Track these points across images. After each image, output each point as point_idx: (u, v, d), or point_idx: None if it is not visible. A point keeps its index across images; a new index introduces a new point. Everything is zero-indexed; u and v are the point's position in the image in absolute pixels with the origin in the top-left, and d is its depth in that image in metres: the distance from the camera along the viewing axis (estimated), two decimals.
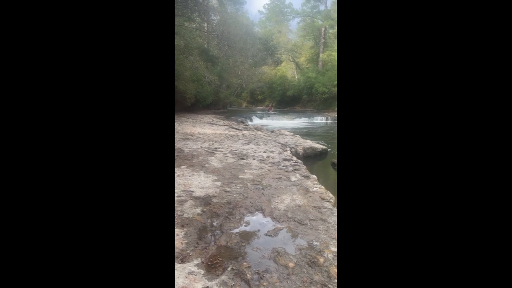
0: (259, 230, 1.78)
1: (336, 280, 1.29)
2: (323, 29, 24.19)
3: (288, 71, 28.15)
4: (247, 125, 10.30)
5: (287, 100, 24.16)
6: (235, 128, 8.42)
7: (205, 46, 15.16)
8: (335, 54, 21.58)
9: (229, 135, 6.64)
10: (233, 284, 1.24)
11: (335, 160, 4.24)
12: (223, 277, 1.29)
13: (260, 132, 7.59)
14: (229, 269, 1.35)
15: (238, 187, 2.61)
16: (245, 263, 1.39)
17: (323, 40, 24.28)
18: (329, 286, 1.25)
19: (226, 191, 2.48)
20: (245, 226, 1.84)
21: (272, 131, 7.96)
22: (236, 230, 1.77)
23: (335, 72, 20.05)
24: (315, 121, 14.26)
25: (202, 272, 1.32)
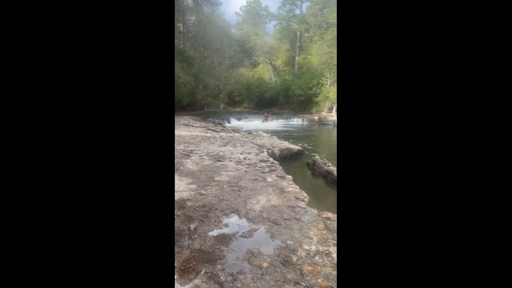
0: (234, 232, 1.78)
1: (308, 278, 1.33)
2: (298, 32, 24.79)
3: (265, 73, 28.42)
4: (224, 127, 10.24)
5: (265, 102, 24.36)
6: (212, 130, 8.33)
7: (181, 46, 14.84)
8: (310, 57, 22.16)
9: (205, 137, 6.55)
10: (206, 287, 1.23)
11: (310, 161, 4.35)
12: (196, 280, 1.27)
13: (237, 134, 7.58)
14: (202, 272, 1.33)
15: (214, 190, 2.58)
16: (219, 266, 1.38)
17: (298, 44, 24.86)
18: (302, 283, 1.29)
19: (201, 194, 2.45)
20: (220, 228, 1.83)
21: (250, 133, 7.99)
22: (211, 233, 1.75)
23: (311, 75, 20.61)
24: (292, 123, 14.55)
25: (175, 276, 1.29)
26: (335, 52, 18.58)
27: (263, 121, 15.08)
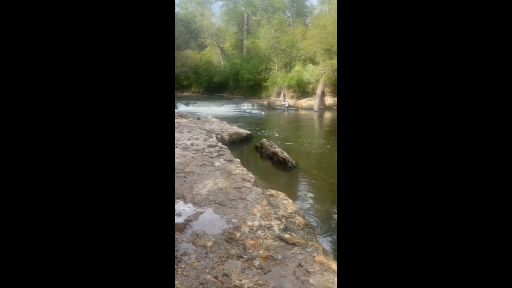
0: (179, 217, 1.77)
1: (250, 251, 1.42)
2: (245, 15, 24.37)
3: (214, 56, 27.40)
4: None
5: (215, 86, 23.65)
6: None
7: None
8: (258, 41, 22.14)
9: None
10: None
11: (257, 144, 4.49)
12: None
13: (185, 120, 7.30)
14: None
15: None
16: None
17: (246, 27, 24.51)
18: (245, 256, 1.37)
19: None
20: None
21: (198, 118, 7.77)
22: None
23: (259, 59, 20.67)
24: (242, 108, 14.61)
25: None
26: (282, 37, 18.89)
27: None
